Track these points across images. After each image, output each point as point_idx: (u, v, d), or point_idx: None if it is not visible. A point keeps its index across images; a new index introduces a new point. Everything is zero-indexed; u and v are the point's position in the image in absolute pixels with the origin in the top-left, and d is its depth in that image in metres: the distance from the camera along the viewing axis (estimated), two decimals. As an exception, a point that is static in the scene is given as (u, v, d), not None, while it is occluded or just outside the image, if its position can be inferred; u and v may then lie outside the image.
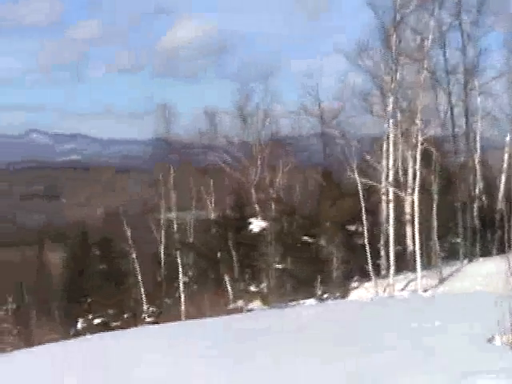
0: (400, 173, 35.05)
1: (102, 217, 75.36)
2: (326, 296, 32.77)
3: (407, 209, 33.86)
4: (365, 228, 31.97)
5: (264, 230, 37.21)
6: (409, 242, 34.41)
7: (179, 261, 42.22)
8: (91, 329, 38.71)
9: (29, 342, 34.10)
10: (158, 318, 37.82)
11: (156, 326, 29.44)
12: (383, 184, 34.65)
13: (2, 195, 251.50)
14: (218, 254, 40.74)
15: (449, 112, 35.39)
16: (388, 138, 34.78)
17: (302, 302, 32.32)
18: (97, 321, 41.24)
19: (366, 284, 32.83)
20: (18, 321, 44.92)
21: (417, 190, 30.96)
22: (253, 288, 37.26)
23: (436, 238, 32.57)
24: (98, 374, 12.90)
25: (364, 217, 32.04)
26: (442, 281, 30.17)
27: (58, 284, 55.51)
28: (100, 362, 14.42)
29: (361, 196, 31.95)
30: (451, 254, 34.55)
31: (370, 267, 31.59)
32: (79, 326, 42.08)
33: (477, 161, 37.97)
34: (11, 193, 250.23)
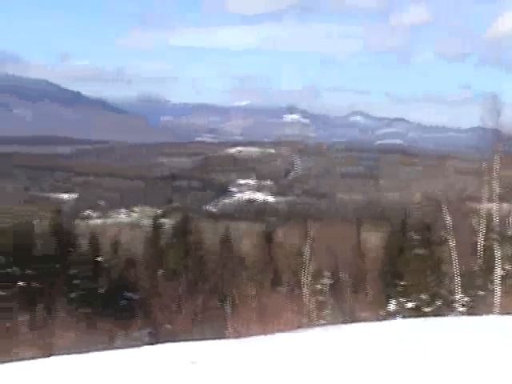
0: None
1: (420, 201, 75.45)
2: None
3: None
4: None
5: None
6: None
7: (497, 253, 41.34)
8: (403, 312, 39.39)
9: (344, 317, 35.44)
10: (470, 309, 37.49)
11: (469, 317, 29.27)
12: None
13: (324, 173, 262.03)
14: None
15: None
16: None
17: None
18: (409, 305, 41.69)
19: None
20: (334, 296, 46.82)
21: None
22: None
23: None
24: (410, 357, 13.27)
25: None
26: None
27: (373, 263, 56.83)
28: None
29: None
30: None
31: None
32: (391, 307, 42.90)
33: None
34: (332, 171, 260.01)
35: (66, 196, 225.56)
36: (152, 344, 21.59)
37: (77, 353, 16.81)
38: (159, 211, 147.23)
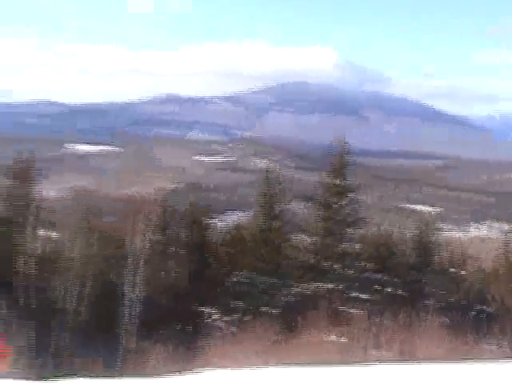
0: None
1: None
2: None
3: None
4: None
5: None
6: None
7: None
8: None
9: None
10: None
11: None
12: None
13: None
14: None
15: None
16: None
17: None
18: None
19: None
20: None
21: None
22: None
23: None
24: None
25: None
26: None
27: None
28: None
29: None
30: None
31: None
32: None
33: None
34: None
35: (419, 207, 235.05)
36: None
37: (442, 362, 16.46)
38: (507, 226, 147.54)
